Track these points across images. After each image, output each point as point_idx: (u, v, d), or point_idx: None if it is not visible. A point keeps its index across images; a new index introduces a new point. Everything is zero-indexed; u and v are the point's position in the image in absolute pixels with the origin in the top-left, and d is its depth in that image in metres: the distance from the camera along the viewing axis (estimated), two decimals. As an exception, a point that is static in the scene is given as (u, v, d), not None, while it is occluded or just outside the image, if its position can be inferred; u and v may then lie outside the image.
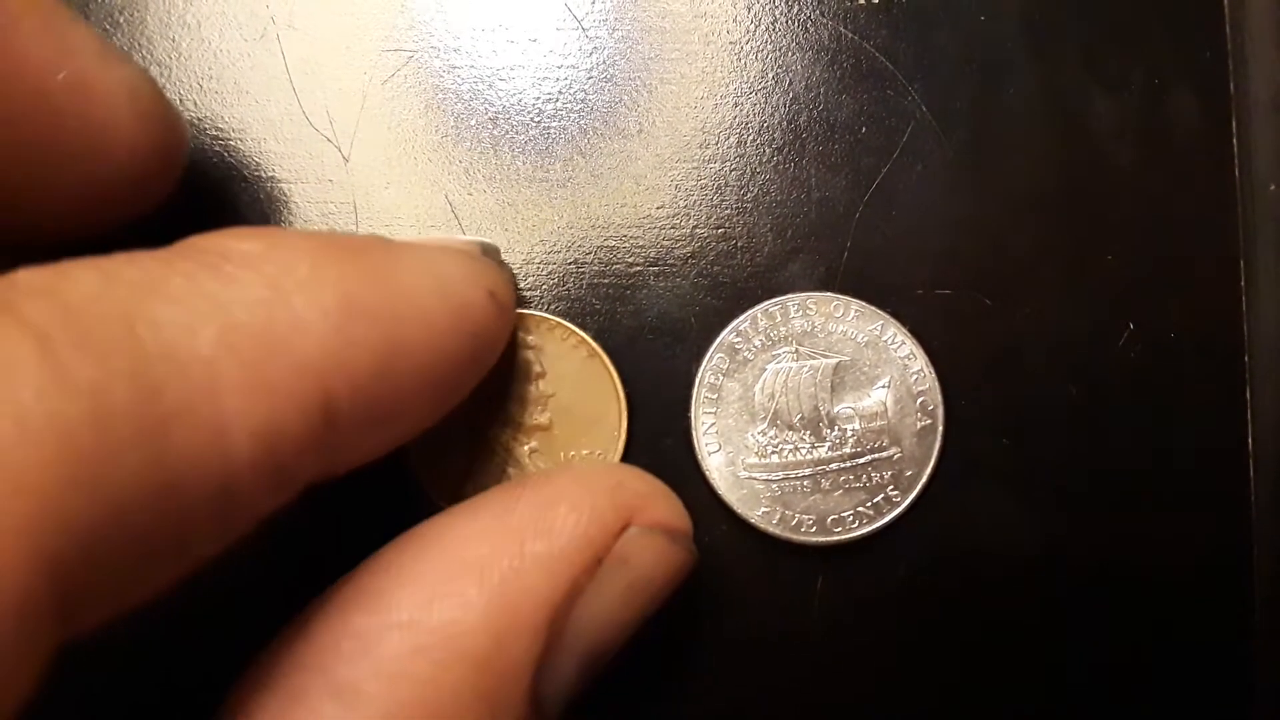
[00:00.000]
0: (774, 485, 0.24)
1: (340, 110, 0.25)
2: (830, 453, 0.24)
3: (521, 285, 0.25)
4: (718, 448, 0.24)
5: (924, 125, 0.25)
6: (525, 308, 0.25)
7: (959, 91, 0.25)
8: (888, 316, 0.24)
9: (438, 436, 0.24)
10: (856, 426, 0.24)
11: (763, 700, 0.24)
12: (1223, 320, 0.25)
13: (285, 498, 0.16)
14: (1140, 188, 0.25)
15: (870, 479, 0.24)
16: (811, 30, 0.25)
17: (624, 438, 0.24)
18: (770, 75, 0.25)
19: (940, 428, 0.24)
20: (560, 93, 0.25)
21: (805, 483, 0.24)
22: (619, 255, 0.25)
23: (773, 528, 0.24)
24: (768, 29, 0.25)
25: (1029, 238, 0.25)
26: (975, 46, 0.25)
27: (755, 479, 0.24)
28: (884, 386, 0.24)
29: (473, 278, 0.19)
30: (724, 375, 0.24)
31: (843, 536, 0.24)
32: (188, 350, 0.14)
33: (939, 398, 0.24)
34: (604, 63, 0.25)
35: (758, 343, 0.24)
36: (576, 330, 0.24)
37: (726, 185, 0.25)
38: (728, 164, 0.25)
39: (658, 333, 0.25)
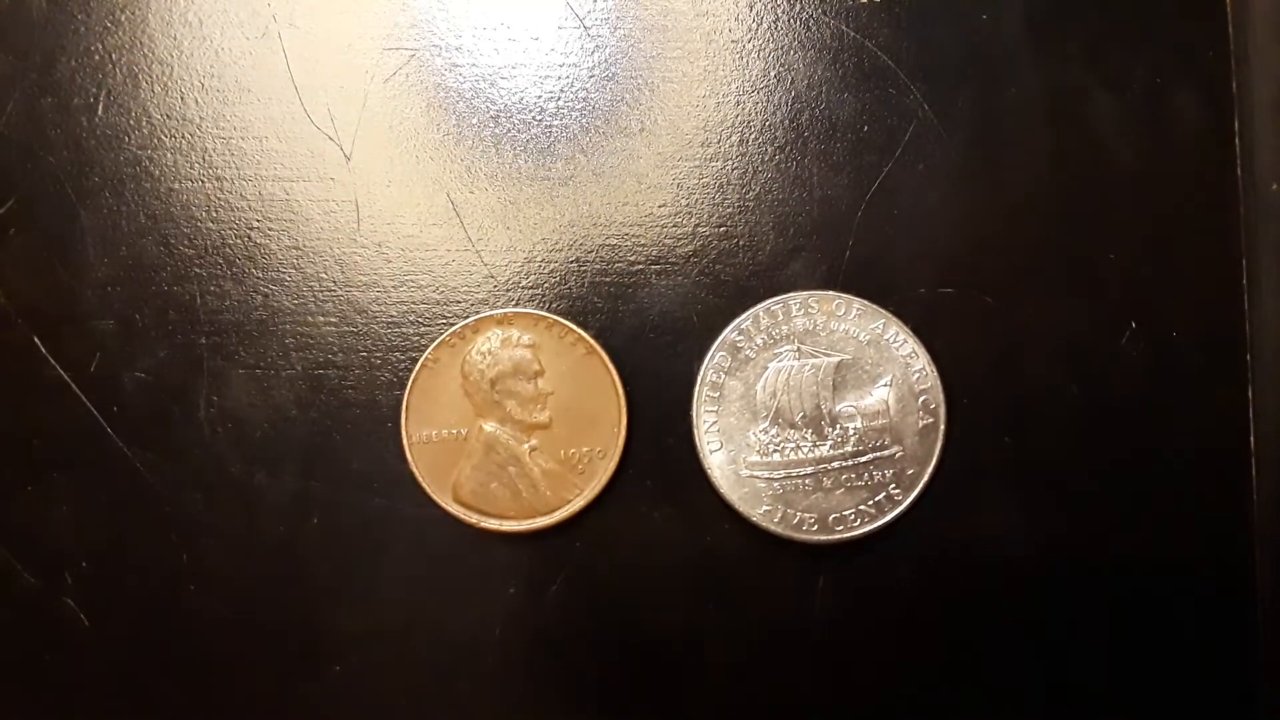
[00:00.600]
0: (776, 484, 0.24)
1: (342, 108, 0.25)
2: (832, 451, 0.24)
3: (523, 283, 0.25)
4: (719, 446, 0.24)
5: (926, 124, 0.25)
6: (524, 306, 0.25)
7: (961, 90, 0.25)
8: (889, 315, 0.24)
9: (438, 436, 0.24)
10: (858, 425, 0.24)
11: (764, 697, 0.24)
12: (1224, 319, 0.25)
13: None
14: (1142, 186, 0.25)
15: (872, 477, 0.24)
16: (813, 29, 0.25)
17: (624, 435, 0.24)
18: (772, 74, 0.25)
19: (942, 426, 0.24)
20: (562, 91, 0.25)
21: (807, 481, 0.24)
22: (621, 253, 0.25)
23: (774, 526, 0.24)
24: (769, 27, 0.25)
25: (1031, 236, 0.25)
26: (977, 45, 0.25)
27: (757, 477, 0.24)
28: (886, 385, 0.24)
29: None
30: (726, 373, 0.24)
31: (844, 535, 0.24)
32: None
33: (941, 396, 0.24)
34: (606, 61, 0.25)
35: (760, 341, 0.24)
36: (574, 328, 0.24)
37: (728, 184, 0.25)
38: (730, 162, 0.25)
39: (659, 331, 0.25)
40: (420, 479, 0.24)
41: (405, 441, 0.24)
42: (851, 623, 0.24)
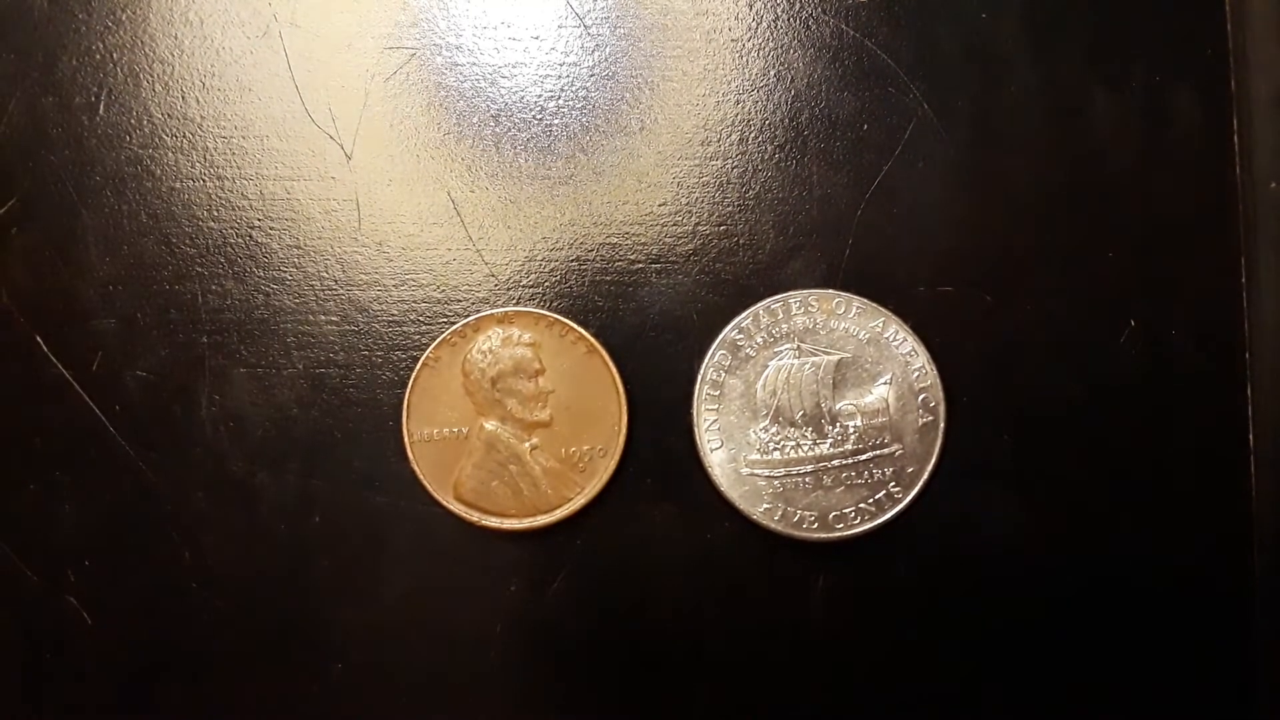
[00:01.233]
0: (776, 482, 0.24)
1: (342, 107, 0.25)
2: (832, 449, 0.24)
3: (524, 282, 0.25)
4: (720, 444, 0.24)
5: (925, 122, 0.25)
6: (525, 305, 0.25)
7: (960, 89, 0.25)
8: (889, 313, 0.24)
9: (439, 434, 0.24)
10: (858, 423, 0.24)
11: (764, 695, 0.24)
12: (1223, 318, 0.25)
13: None
14: (1141, 185, 0.25)
15: (872, 475, 0.24)
16: (813, 27, 0.25)
17: (625, 434, 0.24)
18: (772, 72, 0.25)
19: (942, 424, 0.24)
20: (562, 90, 0.25)
21: (807, 479, 0.24)
22: (621, 252, 0.25)
23: (774, 524, 0.24)
24: (769, 26, 0.25)
25: (1030, 235, 0.25)
26: (976, 44, 0.25)
27: (757, 475, 0.24)
28: (886, 383, 0.24)
29: None
30: (726, 372, 0.24)
31: (844, 533, 0.24)
32: None
33: (940, 394, 0.24)
34: (606, 60, 0.25)
35: (760, 339, 0.24)
36: (575, 326, 0.24)
37: (728, 182, 0.25)
38: (730, 161, 0.25)
39: (660, 330, 0.25)
40: (421, 477, 0.24)
41: (406, 440, 0.24)
42: (851, 620, 0.24)
